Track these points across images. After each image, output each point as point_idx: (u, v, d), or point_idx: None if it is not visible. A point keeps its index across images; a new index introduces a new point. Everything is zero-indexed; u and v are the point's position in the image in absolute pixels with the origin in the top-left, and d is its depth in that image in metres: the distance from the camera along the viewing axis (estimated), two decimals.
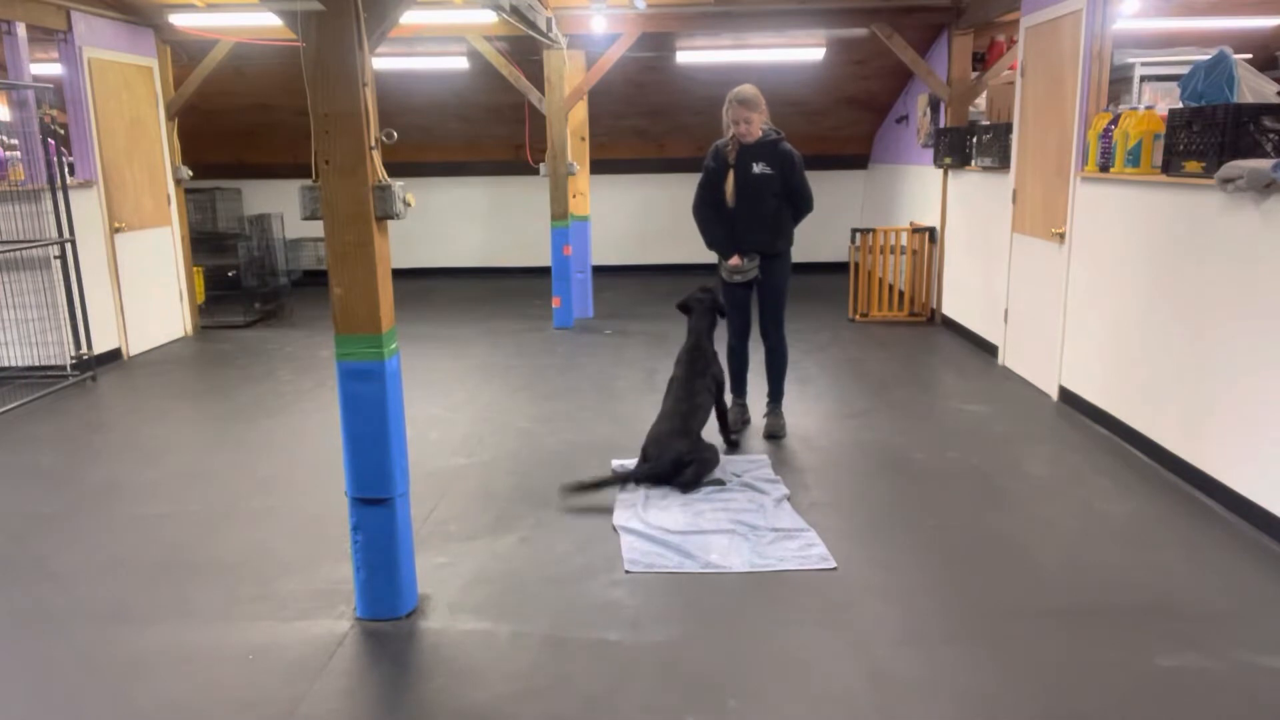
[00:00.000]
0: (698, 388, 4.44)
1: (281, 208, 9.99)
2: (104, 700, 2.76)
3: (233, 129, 10.33)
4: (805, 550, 3.59)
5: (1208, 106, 4.04)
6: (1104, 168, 4.92)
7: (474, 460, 4.74)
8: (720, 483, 4.15)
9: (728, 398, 5.16)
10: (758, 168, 4.76)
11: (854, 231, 8.14)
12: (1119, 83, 5.91)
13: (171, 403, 5.97)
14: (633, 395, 5.85)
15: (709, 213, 4.94)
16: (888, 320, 8.10)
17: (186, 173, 7.93)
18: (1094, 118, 5.04)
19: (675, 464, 4.04)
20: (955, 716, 2.60)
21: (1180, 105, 4.35)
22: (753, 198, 4.80)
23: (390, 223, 3.01)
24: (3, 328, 6.27)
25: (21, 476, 4.62)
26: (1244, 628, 3.02)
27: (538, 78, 7.76)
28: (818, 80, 9.53)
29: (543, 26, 6.67)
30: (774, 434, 4.99)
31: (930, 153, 8.15)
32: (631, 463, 4.48)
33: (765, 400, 5.14)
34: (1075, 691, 2.70)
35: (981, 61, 7.94)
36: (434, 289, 10.27)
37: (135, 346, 7.27)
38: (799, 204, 4.88)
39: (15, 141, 6.37)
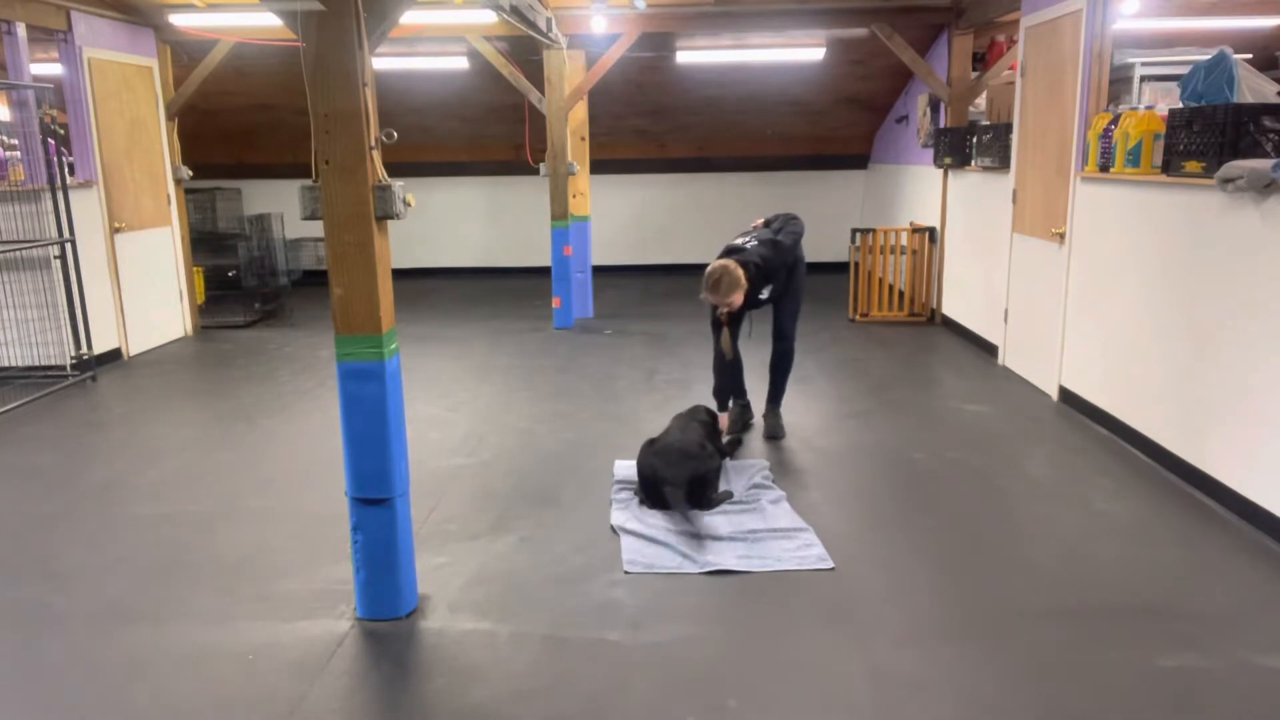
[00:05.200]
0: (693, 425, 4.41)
1: (281, 208, 9.99)
2: (104, 700, 2.76)
3: (233, 129, 10.34)
4: (803, 550, 3.59)
5: (1208, 106, 4.04)
6: (1104, 168, 4.92)
7: (474, 460, 4.74)
8: (729, 494, 4.14)
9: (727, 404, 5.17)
10: (766, 293, 4.77)
11: (854, 231, 8.14)
12: (1119, 83, 5.91)
13: (171, 403, 5.97)
14: (632, 395, 5.85)
15: (719, 367, 4.96)
16: (888, 320, 8.10)
17: (186, 173, 7.92)
18: (1094, 118, 5.04)
19: (692, 480, 4.00)
20: (955, 716, 2.60)
21: (1180, 105, 4.35)
22: (769, 301, 4.89)
23: (390, 223, 3.01)
24: (3, 328, 6.27)
25: (21, 476, 4.62)
26: (1244, 628, 3.02)
27: (538, 78, 7.76)
28: (818, 80, 9.53)
29: (543, 26, 6.67)
30: (773, 434, 4.99)
31: (930, 153, 8.15)
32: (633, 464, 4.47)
33: (765, 401, 5.14)
34: (1075, 691, 2.70)
35: (981, 61, 7.94)
36: (434, 289, 10.27)
37: (135, 346, 7.27)
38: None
39: (15, 141, 6.37)
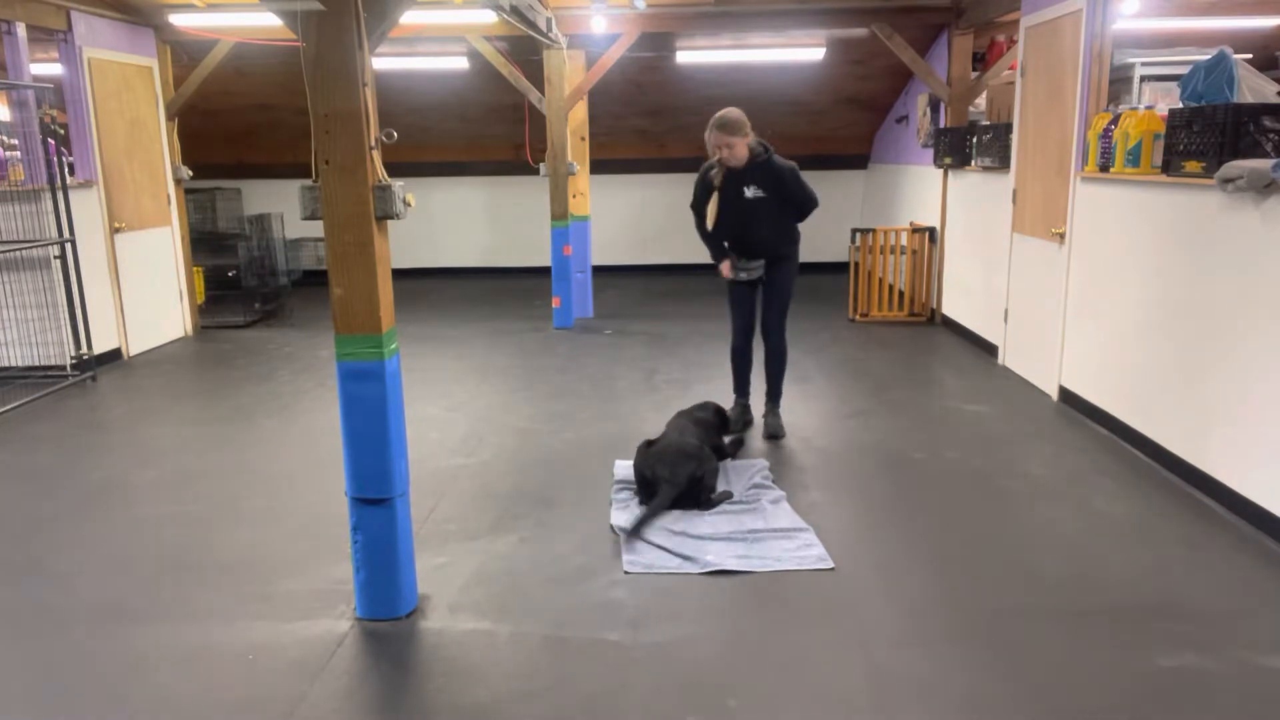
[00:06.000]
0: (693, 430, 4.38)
1: (281, 208, 9.99)
2: (103, 700, 2.76)
3: (233, 129, 10.34)
4: (803, 550, 3.59)
5: (1208, 106, 4.04)
6: (1104, 168, 4.92)
7: (474, 460, 4.74)
8: (729, 495, 4.14)
9: (729, 400, 5.17)
10: (750, 191, 4.73)
11: (854, 231, 8.14)
12: (1119, 83, 5.91)
13: (171, 403, 5.97)
14: (633, 395, 5.85)
15: (704, 233, 4.97)
16: (888, 320, 8.10)
17: (186, 173, 7.92)
18: (1094, 118, 5.04)
19: (690, 481, 4.00)
20: (955, 716, 2.60)
21: (1180, 105, 4.35)
22: (749, 219, 4.80)
23: (390, 223, 3.02)
24: (3, 328, 6.27)
25: (21, 476, 4.62)
26: (1244, 628, 3.02)
27: (538, 78, 7.76)
28: (818, 80, 9.53)
29: (543, 26, 6.67)
30: (773, 434, 4.99)
31: (930, 153, 8.15)
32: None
33: (764, 401, 5.14)
34: (1075, 691, 2.70)
35: (981, 61, 7.94)
36: (434, 289, 10.27)
37: (135, 346, 7.27)
38: (801, 208, 4.87)
39: (15, 141, 6.37)
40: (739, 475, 4.37)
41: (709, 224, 4.84)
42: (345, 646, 3.01)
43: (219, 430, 5.32)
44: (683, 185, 10.84)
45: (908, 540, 3.72)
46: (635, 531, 3.75)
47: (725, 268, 4.93)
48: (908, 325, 7.94)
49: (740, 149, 4.63)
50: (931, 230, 8.04)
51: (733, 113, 4.63)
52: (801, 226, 4.96)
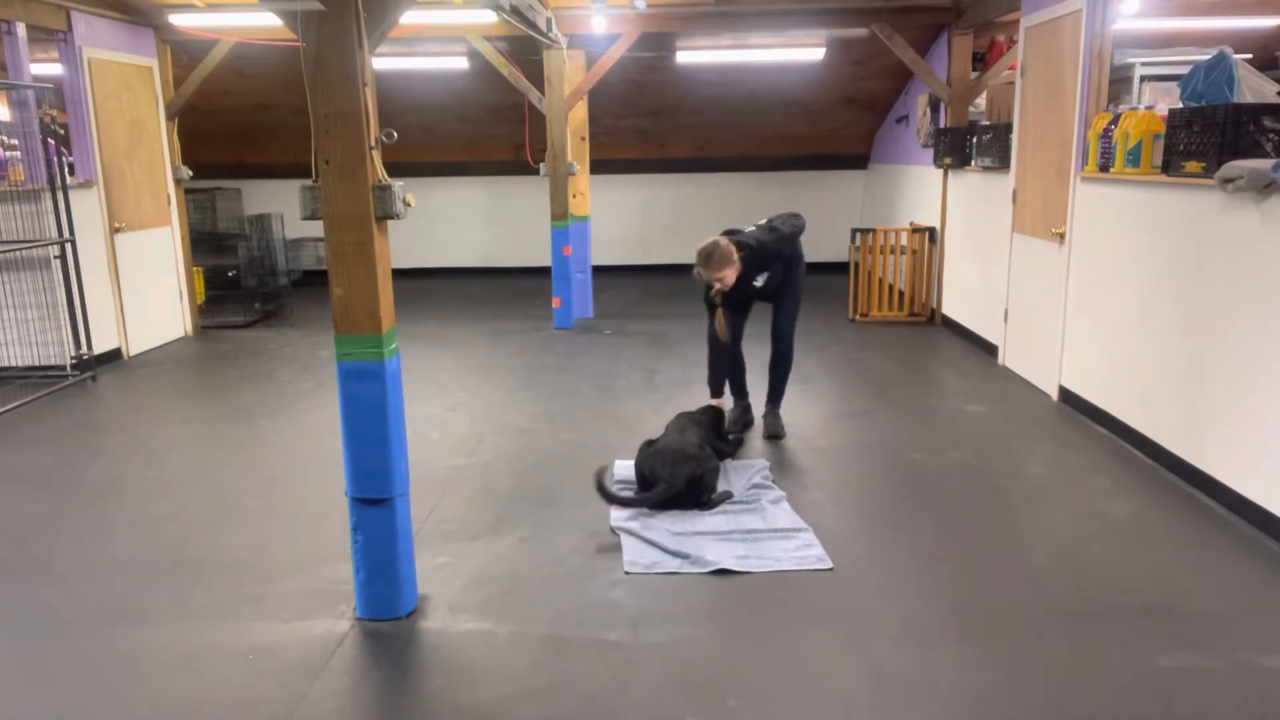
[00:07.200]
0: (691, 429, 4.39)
1: (281, 208, 9.99)
2: (103, 700, 2.76)
3: (233, 129, 10.34)
4: (803, 550, 3.59)
5: (1208, 106, 4.04)
6: (1104, 168, 4.92)
7: (474, 460, 4.74)
8: (729, 495, 4.14)
9: (728, 401, 5.17)
10: (761, 280, 4.78)
11: (854, 231, 8.14)
12: (1119, 83, 5.91)
13: (172, 403, 5.97)
14: (633, 395, 5.85)
15: (713, 346, 4.98)
16: (888, 320, 8.10)
17: (186, 173, 7.92)
18: (1094, 118, 5.04)
19: (690, 481, 3.99)
20: (955, 716, 2.60)
21: (1180, 105, 4.35)
22: (768, 294, 4.91)
23: (390, 223, 3.01)
24: (3, 328, 6.27)
25: (21, 476, 4.62)
26: (1244, 628, 3.02)
27: (538, 78, 7.76)
28: (818, 80, 9.53)
29: (543, 26, 6.67)
30: (773, 434, 4.99)
31: (930, 153, 8.15)
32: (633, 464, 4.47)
33: (765, 401, 5.14)
34: (1075, 691, 2.70)
35: (981, 61, 7.94)
36: (434, 289, 10.27)
37: (135, 346, 7.27)
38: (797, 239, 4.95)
39: (15, 141, 6.37)
40: (739, 475, 4.37)
41: (721, 335, 4.87)
42: (345, 646, 3.01)
43: (219, 430, 5.32)
44: (683, 185, 10.94)
45: (908, 540, 3.72)
46: (610, 497, 3.90)
47: (721, 402, 4.95)
48: (908, 325, 7.94)
49: (731, 276, 4.61)
50: (931, 230, 8.04)
51: (718, 248, 4.55)
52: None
